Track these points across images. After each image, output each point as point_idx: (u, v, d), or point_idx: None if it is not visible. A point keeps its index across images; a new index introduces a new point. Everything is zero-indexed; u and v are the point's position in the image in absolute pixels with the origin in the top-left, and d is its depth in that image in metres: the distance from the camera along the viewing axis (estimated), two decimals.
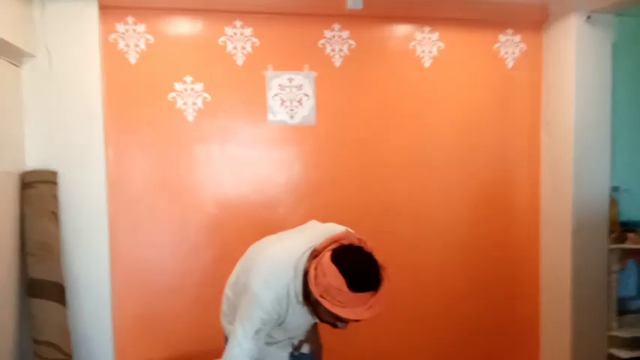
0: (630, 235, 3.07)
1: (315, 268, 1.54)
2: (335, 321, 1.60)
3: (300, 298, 1.64)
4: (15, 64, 2.43)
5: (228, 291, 1.94)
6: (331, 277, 1.48)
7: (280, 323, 1.72)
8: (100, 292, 2.62)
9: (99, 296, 2.62)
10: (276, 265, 1.65)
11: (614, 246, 3.05)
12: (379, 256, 1.57)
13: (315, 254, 1.60)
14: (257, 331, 1.63)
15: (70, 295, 2.53)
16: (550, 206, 3.21)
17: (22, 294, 2.40)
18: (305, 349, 2.00)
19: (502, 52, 3.19)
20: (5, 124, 2.33)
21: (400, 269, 3.06)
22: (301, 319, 1.75)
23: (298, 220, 2.11)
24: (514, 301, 3.29)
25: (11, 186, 2.35)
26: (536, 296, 3.32)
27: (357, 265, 1.51)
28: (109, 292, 2.64)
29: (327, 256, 1.53)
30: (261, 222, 2.85)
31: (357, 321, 1.53)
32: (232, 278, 1.94)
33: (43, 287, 2.35)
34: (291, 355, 1.93)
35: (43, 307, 2.33)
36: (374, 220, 3.02)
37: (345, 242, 1.57)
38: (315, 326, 1.95)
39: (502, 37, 3.18)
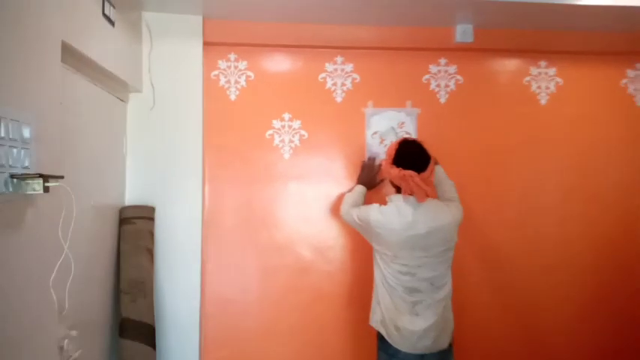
0: None
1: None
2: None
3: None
4: (122, 100, 2.45)
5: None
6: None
7: None
8: (189, 334, 2.50)
9: (188, 338, 2.50)
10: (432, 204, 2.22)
11: None
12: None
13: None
14: None
15: (158, 336, 2.45)
16: None
17: (114, 333, 2.34)
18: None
19: (630, 89, 2.85)
20: (110, 159, 2.32)
21: (511, 329, 2.76)
22: None
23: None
24: None
25: (111, 221, 2.33)
26: None
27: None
28: (198, 335, 2.52)
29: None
30: (355, 266, 2.67)
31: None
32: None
33: (134, 328, 2.27)
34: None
35: (133, 349, 2.24)
36: (483, 271, 2.74)
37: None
38: None
39: (630, 73, 2.86)
